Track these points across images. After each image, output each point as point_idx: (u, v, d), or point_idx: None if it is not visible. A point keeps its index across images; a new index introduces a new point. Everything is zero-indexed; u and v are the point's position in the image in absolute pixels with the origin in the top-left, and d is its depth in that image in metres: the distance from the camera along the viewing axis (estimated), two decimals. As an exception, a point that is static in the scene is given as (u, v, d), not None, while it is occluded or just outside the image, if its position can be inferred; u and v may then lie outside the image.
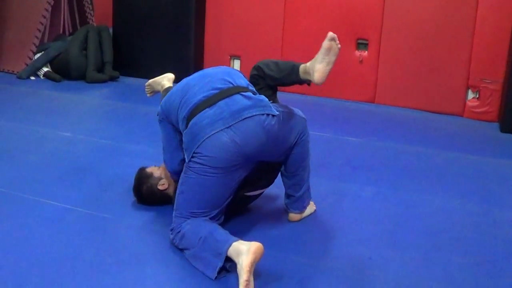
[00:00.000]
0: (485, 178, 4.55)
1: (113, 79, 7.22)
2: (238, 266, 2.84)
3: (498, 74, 6.07)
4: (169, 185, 3.65)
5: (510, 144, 5.47)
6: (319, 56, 3.45)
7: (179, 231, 3.19)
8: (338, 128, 5.66)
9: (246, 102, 3.22)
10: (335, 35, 3.48)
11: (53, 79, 7.11)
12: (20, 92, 6.59)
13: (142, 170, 3.74)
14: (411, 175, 4.47)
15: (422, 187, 4.28)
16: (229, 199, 3.28)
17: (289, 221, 3.63)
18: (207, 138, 3.12)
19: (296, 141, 3.44)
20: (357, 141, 5.29)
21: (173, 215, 3.28)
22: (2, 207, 3.66)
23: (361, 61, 6.58)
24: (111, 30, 7.52)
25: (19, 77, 7.12)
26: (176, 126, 3.43)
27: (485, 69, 6.13)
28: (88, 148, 4.79)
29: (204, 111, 3.19)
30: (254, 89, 3.40)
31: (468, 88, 6.26)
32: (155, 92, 4.28)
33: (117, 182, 4.11)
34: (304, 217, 3.67)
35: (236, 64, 7.15)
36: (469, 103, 6.27)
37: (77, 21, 7.93)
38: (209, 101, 3.22)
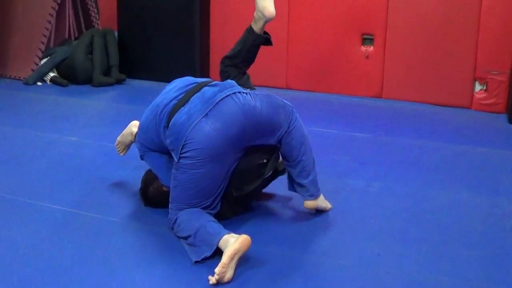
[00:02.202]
0: (494, 170, 4.53)
1: (119, 82, 7.22)
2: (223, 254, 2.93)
3: (505, 65, 6.03)
4: None
5: (518, 135, 5.45)
6: None
7: (176, 220, 3.27)
8: (345, 124, 5.64)
9: (214, 89, 3.32)
10: None
11: (60, 84, 7.12)
12: (27, 97, 6.61)
13: (148, 173, 3.76)
14: (419, 169, 4.45)
15: (430, 181, 4.26)
16: (223, 187, 3.33)
17: (305, 209, 3.63)
18: (189, 132, 3.18)
19: (288, 129, 3.43)
20: (365, 136, 5.27)
21: (169, 207, 3.35)
22: (10, 212, 3.68)
23: (367, 56, 6.56)
24: (116, 34, 7.52)
25: (26, 83, 7.14)
26: (159, 149, 3.49)
27: (492, 60, 6.09)
28: (95, 152, 4.80)
29: (179, 111, 3.26)
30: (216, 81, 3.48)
31: (475, 80, 6.22)
32: (127, 147, 4.16)
33: (124, 186, 4.11)
34: (320, 210, 3.66)
35: (242, 63, 7.13)
36: (476, 95, 6.23)
37: (82, 25, 7.94)
38: (181, 102, 3.31)
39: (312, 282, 2.96)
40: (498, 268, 3.10)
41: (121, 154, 4.20)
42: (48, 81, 7.24)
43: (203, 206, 3.28)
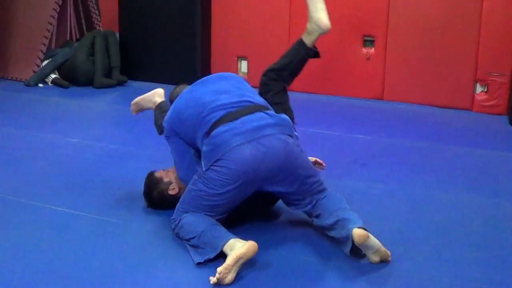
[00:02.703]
0: (495, 171, 4.53)
1: (121, 83, 7.23)
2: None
3: (506, 67, 6.04)
4: (179, 189, 3.64)
5: (519, 137, 5.45)
6: (311, 8, 3.68)
7: (179, 222, 3.26)
8: (346, 125, 5.65)
9: (269, 119, 3.25)
10: None
11: (61, 86, 7.13)
12: (29, 99, 6.62)
13: (151, 176, 3.73)
14: (421, 171, 4.45)
15: (431, 183, 4.26)
16: (230, 210, 3.32)
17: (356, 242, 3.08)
18: (229, 149, 3.13)
19: (319, 188, 3.35)
20: (366, 138, 5.27)
21: (176, 206, 3.34)
22: (11, 214, 3.68)
23: (368, 58, 6.57)
24: (117, 35, 7.53)
25: (27, 85, 7.15)
26: (188, 141, 3.45)
27: (493, 62, 6.09)
28: (97, 154, 4.80)
29: (226, 124, 3.21)
30: (271, 108, 3.42)
31: (476, 82, 6.23)
32: (142, 110, 4.13)
33: (126, 187, 4.11)
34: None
35: (244, 65, 7.15)
36: (477, 97, 6.24)
37: (84, 27, 7.95)
38: (231, 116, 3.24)
39: (313, 285, 2.96)
40: (499, 269, 3.10)
41: (134, 113, 4.16)
42: (49, 83, 7.25)
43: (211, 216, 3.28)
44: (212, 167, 3.17)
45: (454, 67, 6.24)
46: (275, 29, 6.90)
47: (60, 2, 7.38)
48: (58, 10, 7.39)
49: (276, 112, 3.40)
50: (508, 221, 3.68)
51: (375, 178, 4.33)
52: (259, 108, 3.32)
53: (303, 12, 6.72)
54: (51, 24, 7.38)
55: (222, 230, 3.14)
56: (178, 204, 3.34)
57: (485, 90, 6.20)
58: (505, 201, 3.98)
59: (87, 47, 7.22)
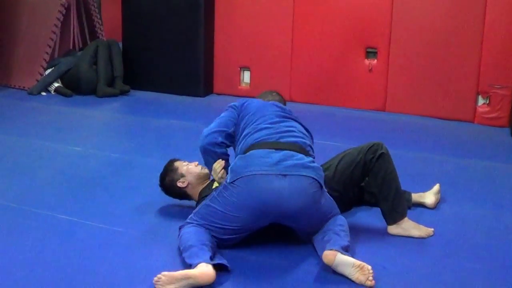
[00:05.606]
0: (497, 183, 4.54)
1: (123, 93, 7.24)
2: None
3: (508, 79, 6.06)
4: (188, 184, 3.72)
5: (521, 149, 5.46)
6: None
7: (181, 229, 3.29)
8: (348, 137, 5.65)
9: (307, 163, 3.25)
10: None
11: (64, 94, 7.15)
12: (31, 107, 6.63)
13: (171, 162, 3.84)
14: (423, 182, 4.45)
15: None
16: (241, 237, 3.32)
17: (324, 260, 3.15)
18: (259, 175, 3.15)
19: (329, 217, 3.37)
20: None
21: (190, 215, 3.35)
22: (15, 222, 3.69)
23: (370, 70, 6.58)
24: (120, 45, 7.55)
25: (30, 93, 7.17)
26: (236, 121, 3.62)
27: (495, 74, 6.11)
28: (100, 162, 4.82)
29: (270, 150, 3.27)
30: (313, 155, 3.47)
31: (478, 94, 6.24)
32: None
33: (129, 196, 4.12)
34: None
35: (246, 75, 7.16)
36: (479, 109, 6.26)
37: (87, 36, 7.98)
38: (278, 145, 3.32)
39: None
40: (501, 281, 3.11)
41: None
42: (52, 91, 7.27)
43: (218, 237, 3.27)
44: (235, 183, 3.17)
45: (456, 79, 6.26)
46: (278, 40, 6.92)
47: (64, 12, 7.42)
48: (61, 19, 7.42)
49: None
50: (510, 232, 3.68)
51: (377, 189, 4.33)
52: (304, 151, 3.37)
53: (306, 23, 6.77)
54: (54, 33, 7.41)
55: (205, 251, 3.08)
56: (192, 214, 3.35)
57: (487, 102, 6.22)
58: (506, 212, 3.98)
59: (90, 56, 7.25)
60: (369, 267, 3.01)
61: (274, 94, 4.09)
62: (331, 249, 3.07)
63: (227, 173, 3.37)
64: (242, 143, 3.48)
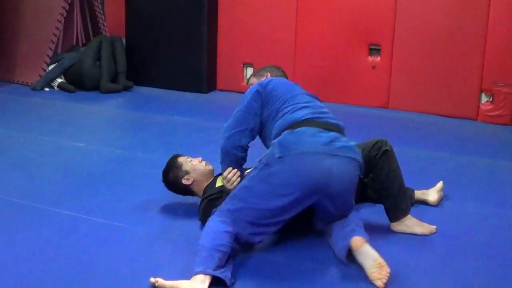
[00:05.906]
0: (500, 181, 4.53)
1: (127, 89, 7.24)
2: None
3: (511, 77, 6.05)
4: (193, 181, 3.69)
5: (524, 147, 5.45)
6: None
7: (208, 220, 3.21)
8: (351, 134, 5.60)
9: (353, 147, 3.27)
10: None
11: (67, 90, 7.15)
12: (35, 103, 6.64)
13: (174, 158, 3.79)
14: (425, 180, 4.44)
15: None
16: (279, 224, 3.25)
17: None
18: (312, 152, 3.14)
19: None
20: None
21: (222, 204, 3.27)
22: (17, 217, 3.69)
23: (374, 67, 6.58)
24: (124, 40, 7.55)
25: (33, 89, 7.17)
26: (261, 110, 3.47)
27: (498, 72, 6.10)
28: (103, 158, 4.82)
29: (319, 129, 3.25)
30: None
31: (481, 91, 6.23)
32: None
33: (132, 192, 4.13)
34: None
35: (250, 72, 7.15)
36: (482, 107, 6.25)
37: (90, 31, 7.97)
38: (326, 125, 3.31)
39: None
40: (503, 279, 3.11)
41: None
42: (55, 87, 7.27)
43: (251, 230, 3.19)
44: (285, 159, 3.13)
45: (459, 76, 6.25)
46: (281, 36, 6.91)
47: (67, 7, 7.41)
48: (64, 15, 7.41)
49: None
50: (513, 230, 3.69)
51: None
52: (343, 132, 3.39)
53: (309, 20, 6.76)
54: (57, 28, 7.40)
55: (213, 258, 2.97)
56: (228, 198, 3.27)
57: (490, 100, 6.21)
58: (509, 210, 3.98)
59: (93, 52, 7.24)
60: (389, 269, 2.99)
61: (280, 70, 4.05)
62: (361, 236, 3.11)
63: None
64: (281, 119, 3.37)
